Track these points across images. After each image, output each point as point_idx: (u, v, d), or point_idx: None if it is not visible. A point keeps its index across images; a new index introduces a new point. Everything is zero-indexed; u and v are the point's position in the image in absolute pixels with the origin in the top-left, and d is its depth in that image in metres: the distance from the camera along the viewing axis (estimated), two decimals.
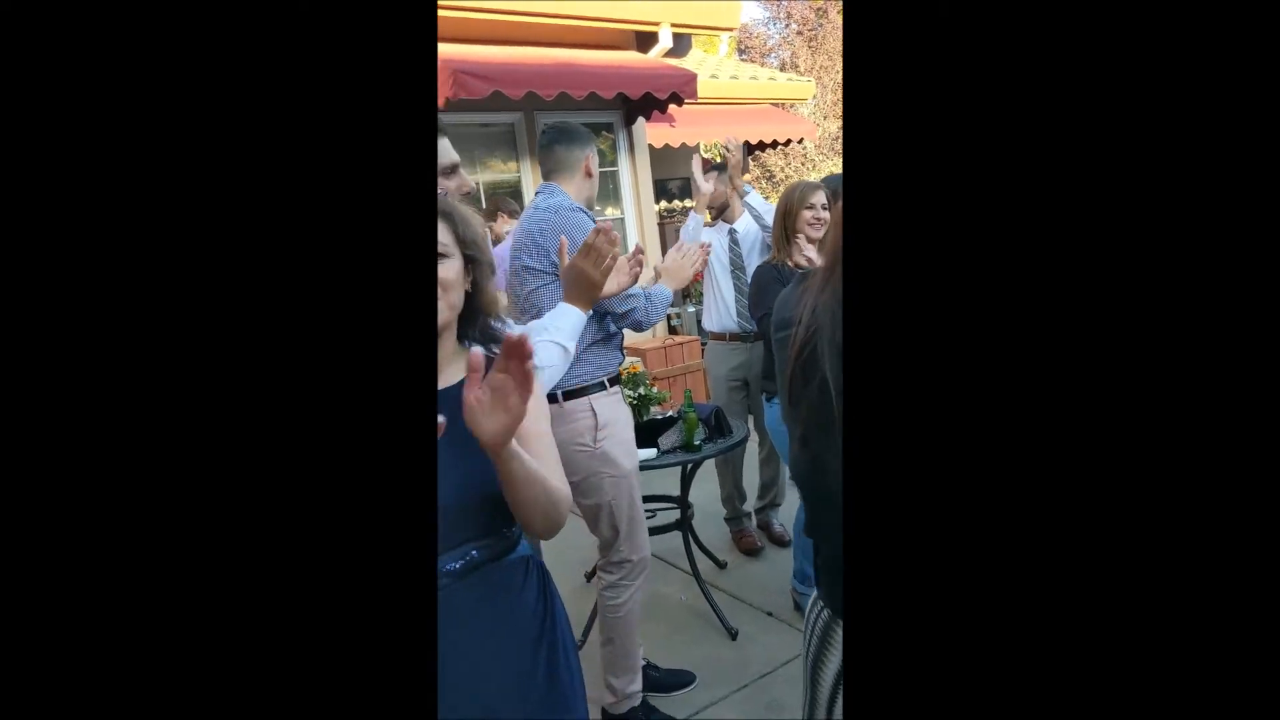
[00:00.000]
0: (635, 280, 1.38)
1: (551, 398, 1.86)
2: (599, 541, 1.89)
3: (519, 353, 0.76)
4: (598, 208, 4.79)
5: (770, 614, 2.39)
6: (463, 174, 1.23)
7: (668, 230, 6.18)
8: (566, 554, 2.76)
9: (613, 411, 1.77)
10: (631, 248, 1.72)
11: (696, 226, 2.80)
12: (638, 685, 1.91)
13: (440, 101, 3.55)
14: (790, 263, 2.11)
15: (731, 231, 2.80)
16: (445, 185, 1.20)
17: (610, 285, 1.31)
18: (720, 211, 2.82)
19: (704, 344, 3.07)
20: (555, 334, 1.22)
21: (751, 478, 3.05)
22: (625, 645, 1.86)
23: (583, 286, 1.24)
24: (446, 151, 1.21)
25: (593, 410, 1.73)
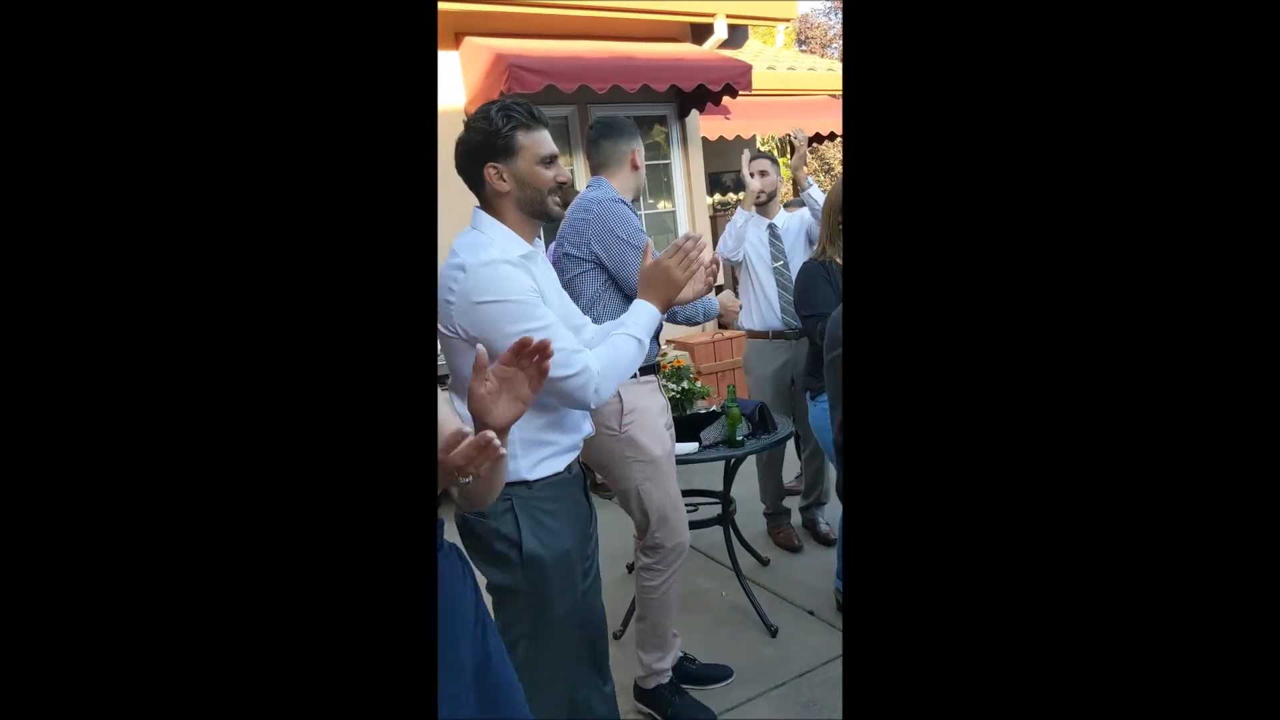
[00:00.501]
0: (709, 290, 1.42)
1: None
2: (635, 525, 1.93)
3: (541, 352, 0.84)
4: (650, 200, 4.80)
5: (811, 613, 2.37)
6: (559, 164, 1.28)
7: (720, 223, 6.14)
8: (608, 545, 2.78)
9: (641, 399, 1.80)
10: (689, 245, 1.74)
11: (745, 223, 2.77)
12: (667, 663, 1.95)
13: (494, 96, 3.60)
14: (837, 261, 2.07)
15: (771, 226, 2.76)
16: (544, 174, 1.26)
17: (686, 292, 1.35)
18: (763, 204, 2.77)
19: None
20: (631, 328, 1.28)
21: (791, 476, 3.03)
22: (657, 624, 1.92)
23: (663, 285, 1.30)
24: (546, 142, 1.27)
25: (619, 396, 1.76)
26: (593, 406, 1.25)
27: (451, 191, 3.88)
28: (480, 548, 1.31)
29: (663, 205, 4.91)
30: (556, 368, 1.17)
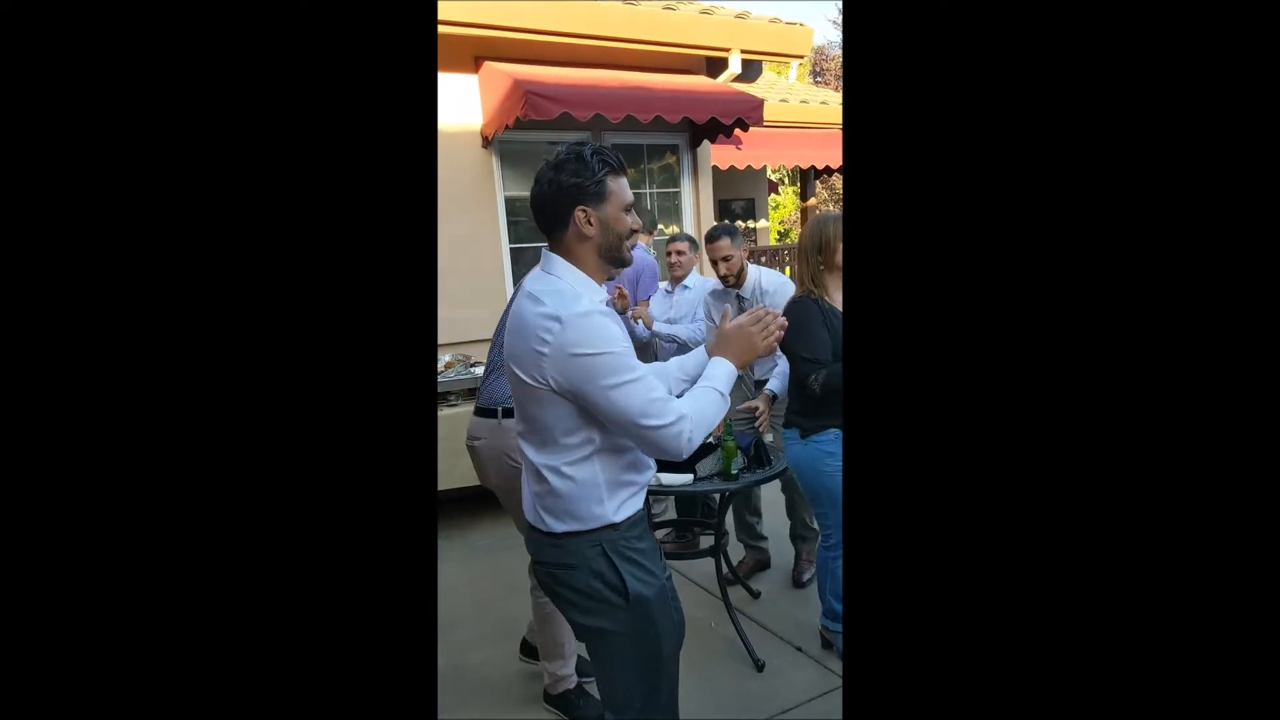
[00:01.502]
0: (772, 351, 1.45)
1: (491, 412, 2.02)
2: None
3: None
4: (660, 226, 4.87)
5: (800, 649, 2.38)
6: (634, 212, 1.32)
7: None
8: None
9: None
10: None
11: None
12: (569, 669, 2.16)
13: (510, 120, 3.67)
14: (828, 298, 2.09)
15: (739, 297, 2.79)
16: (626, 220, 1.30)
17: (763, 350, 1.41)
18: (739, 276, 2.77)
19: None
20: (714, 381, 1.33)
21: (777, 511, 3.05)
22: (553, 635, 2.12)
23: (744, 350, 1.37)
24: (628, 189, 1.31)
25: None
26: (684, 456, 1.25)
27: (461, 204, 3.86)
28: (578, 599, 1.31)
29: (671, 231, 4.97)
30: (651, 418, 1.18)
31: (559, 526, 1.29)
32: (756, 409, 2.41)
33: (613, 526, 1.28)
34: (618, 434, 1.24)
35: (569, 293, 1.23)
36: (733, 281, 2.73)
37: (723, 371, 1.34)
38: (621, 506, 1.30)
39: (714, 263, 2.72)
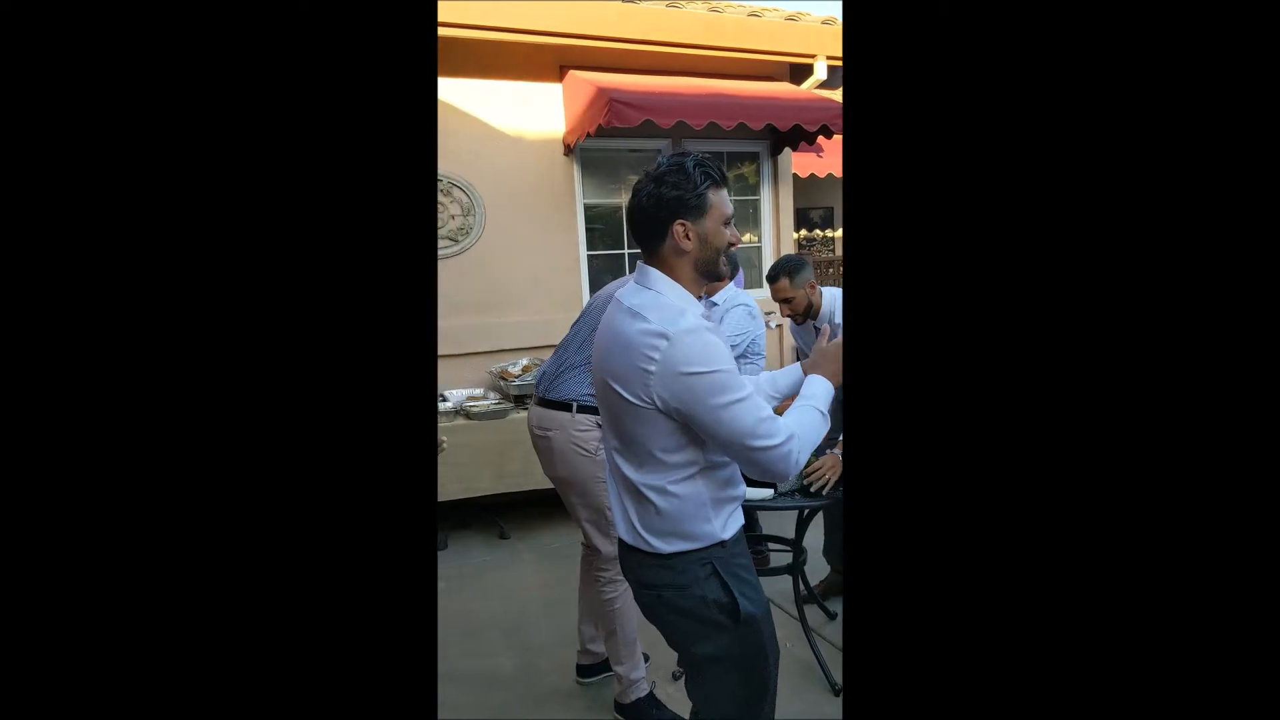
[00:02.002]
0: None
1: (565, 406, 2.01)
2: (584, 536, 2.14)
3: None
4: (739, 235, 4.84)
5: None
6: (733, 226, 1.29)
7: None
8: None
9: None
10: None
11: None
12: (641, 671, 2.08)
13: (592, 128, 3.70)
14: None
15: (814, 326, 2.68)
16: (725, 234, 1.26)
17: None
18: (806, 313, 2.63)
19: None
20: (815, 400, 1.30)
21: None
22: (625, 634, 2.06)
23: (840, 367, 1.35)
24: (728, 202, 1.28)
25: (598, 426, 1.83)
26: (791, 476, 1.23)
27: (541, 211, 3.91)
28: (685, 623, 1.28)
29: (748, 239, 4.92)
30: (761, 438, 1.15)
31: (667, 547, 1.25)
32: (821, 471, 2.10)
33: (722, 544, 1.26)
34: (724, 454, 1.21)
35: (672, 308, 1.20)
36: (801, 321, 2.63)
37: (822, 389, 1.30)
38: (728, 523, 1.27)
39: (778, 303, 2.62)
